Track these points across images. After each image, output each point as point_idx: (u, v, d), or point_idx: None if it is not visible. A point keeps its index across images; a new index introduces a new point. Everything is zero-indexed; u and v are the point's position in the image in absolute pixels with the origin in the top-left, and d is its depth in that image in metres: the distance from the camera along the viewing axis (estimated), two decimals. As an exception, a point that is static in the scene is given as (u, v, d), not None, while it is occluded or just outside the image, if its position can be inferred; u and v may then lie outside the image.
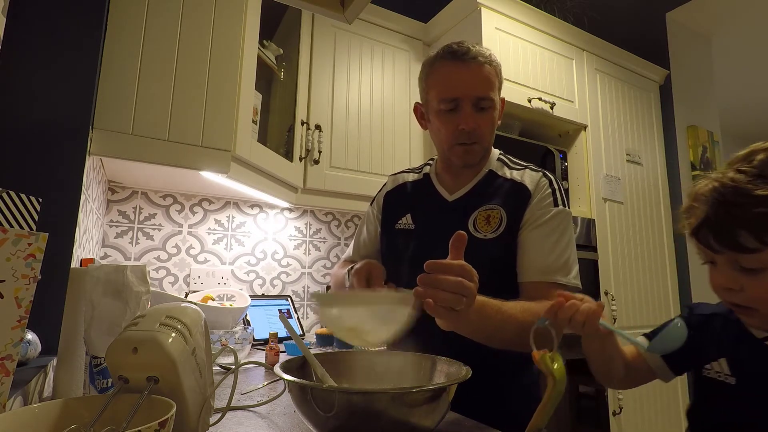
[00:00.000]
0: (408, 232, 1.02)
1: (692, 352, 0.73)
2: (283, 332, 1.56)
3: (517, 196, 0.93)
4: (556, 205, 0.92)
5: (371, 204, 1.15)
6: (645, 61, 2.45)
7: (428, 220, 1.01)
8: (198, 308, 0.63)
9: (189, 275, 1.70)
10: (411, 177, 1.10)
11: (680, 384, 2.23)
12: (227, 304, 1.41)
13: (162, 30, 1.22)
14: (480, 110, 0.92)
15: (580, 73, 2.16)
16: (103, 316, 0.68)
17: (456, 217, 0.97)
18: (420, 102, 1.02)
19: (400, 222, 1.04)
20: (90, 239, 1.25)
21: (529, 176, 0.96)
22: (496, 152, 1.03)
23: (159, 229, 1.67)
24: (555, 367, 0.59)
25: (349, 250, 1.15)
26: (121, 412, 0.46)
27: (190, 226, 1.73)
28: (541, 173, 0.97)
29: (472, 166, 0.98)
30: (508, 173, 0.98)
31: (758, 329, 0.68)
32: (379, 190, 1.15)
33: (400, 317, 0.67)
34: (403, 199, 1.07)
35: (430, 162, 1.11)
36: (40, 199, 0.66)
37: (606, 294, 2.04)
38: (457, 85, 0.90)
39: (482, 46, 0.95)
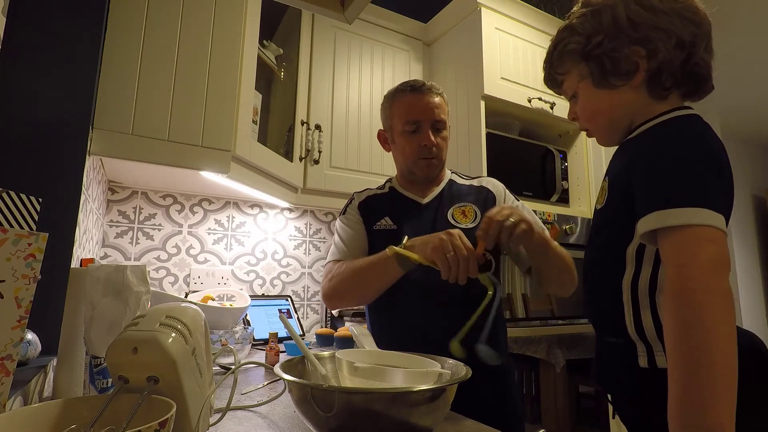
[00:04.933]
0: (390, 232, 1.09)
1: None
2: (283, 332, 1.56)
3: (483, 196, 1.13)
4: (518, 200, 1.15)
5: (343, 214, 1.16)
6: (645, 61, 2.45)
7: (409, 218, 1.10)
8: (198, 308, 0.63)
9: (189, 275, 1.70)
10: (376, 192, 1.20)
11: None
12: (227, 304, 1.41)
13: (162, 30, 1.22)
14: (436, 131, 1.10)
15: (580, 73, 2.15)
16: (103, 316, 0.68)
17: (434, 214, 1.10)
18: (382, 129, 1.18)
19: (378, 224, 1.11)
20: (90, 239, 1.25)
21: (485, 181, 1.17)
22: (447, 171, 1.20)
23: (159, 229, 1.67)
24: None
25: (337, 253, 1.12)
26: (121, 412, 0.46)
27: (190, 226, 1.73)
28: (493, 178, 1.18)
29: (432, 179, 1.15)
30: (465, 182, 1.18)
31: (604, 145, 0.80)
32: (348, 205, 1.18)
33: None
34: (377, 206, 1.15)
35: (390, 181, 1.22)
36: (40, 199, 0.66)
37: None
38: (419, 110, 1.09)
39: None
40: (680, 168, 0.59)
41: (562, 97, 0.82)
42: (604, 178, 0.74)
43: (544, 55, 0.81)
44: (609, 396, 0.75)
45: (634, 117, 0.71)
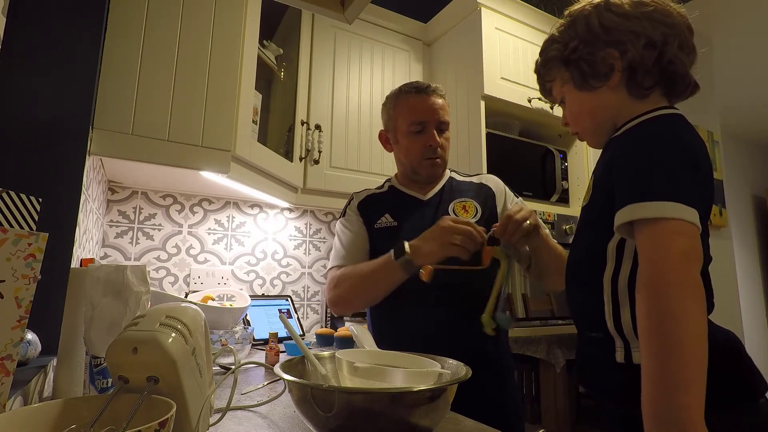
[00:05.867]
0: (391, 228, 1.10)
1: None
2: (283, 332, 1.56)
3: (483, 193, 1.15)
4: (517, 197, 1.18)
5: (343, 216, 1.17)
6: (645, 61, 2.45)
7: (409, 215, 1.11)
8: (198, 308, 0.63)
9: (189, 275, 1.70)
10: (375, 192, 1.21)
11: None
12: (227, 304, 1.41)
13: (162, 30, 1.22)
14: (440, 132, 1.12)
15: (580, 73, 2.15)
16: (103, 316, 0.68)
17: (435, 209, 1.11)
18: (384, 129, 1.19)
19: (379, 222, 1.12)
20: (90, 239, 1.25)
21: (485, 178, 1.19)
22: (447, 169, 1.21)
23: (159, 229, 1.67)
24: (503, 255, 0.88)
25: (338, 259, 1.11)
26: (121, 412, 0.46)
27: (190, 226, 1.73)
28: (493, 176, 1.20)
29: (435, 178, 1.16)
30: (465, 179, 1.20)
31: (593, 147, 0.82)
32: (347, 206, 1.19)
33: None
34: (377, 204, 1.16)
35: (389, 181, 1.23)
36: (40, 199, 0.66)
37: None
38: (424, 111, 1.10)
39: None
40: (656, 166, 0.62)
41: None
42: (591, 176, 0.76)
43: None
44: (586, 390, 0.77)
45: (617, 118, 0.73)
